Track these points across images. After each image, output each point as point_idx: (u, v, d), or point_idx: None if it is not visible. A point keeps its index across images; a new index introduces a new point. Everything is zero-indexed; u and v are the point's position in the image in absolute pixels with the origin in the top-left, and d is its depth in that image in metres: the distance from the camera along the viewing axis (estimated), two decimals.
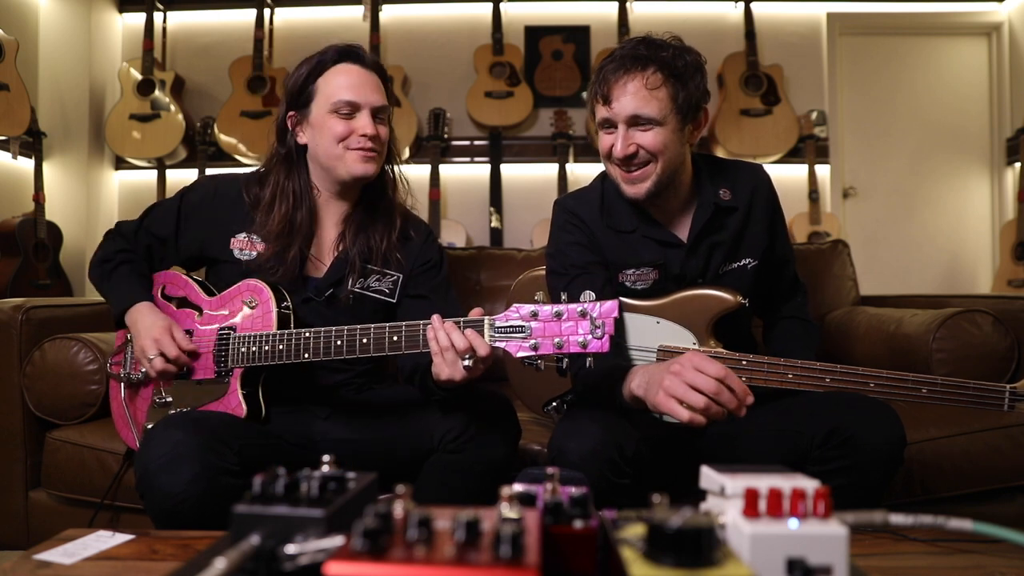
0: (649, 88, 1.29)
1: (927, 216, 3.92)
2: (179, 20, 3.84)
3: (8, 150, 3.24)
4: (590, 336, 1.06)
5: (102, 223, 3.70)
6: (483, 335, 1.13)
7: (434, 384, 1.24)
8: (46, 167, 3.38)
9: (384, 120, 1.45)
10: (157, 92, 3.57)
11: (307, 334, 1.28)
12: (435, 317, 1.16)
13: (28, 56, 3.41)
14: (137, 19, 3.77)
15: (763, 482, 0.61)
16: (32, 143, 3.29)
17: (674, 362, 1.13)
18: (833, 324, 2.25)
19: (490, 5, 3.70)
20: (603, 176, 1.48)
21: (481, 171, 3.72)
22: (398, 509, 0.53)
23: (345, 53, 1.43)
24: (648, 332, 1.39)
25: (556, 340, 1.07)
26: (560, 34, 3.79)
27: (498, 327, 1.12)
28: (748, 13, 3.67)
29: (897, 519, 0.71)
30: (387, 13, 3.81)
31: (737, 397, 1.10)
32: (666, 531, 0.52)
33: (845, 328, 2.18)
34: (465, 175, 3.78)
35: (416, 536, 0.50)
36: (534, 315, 1.09)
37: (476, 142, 3.75)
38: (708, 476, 0.68)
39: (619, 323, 1.09)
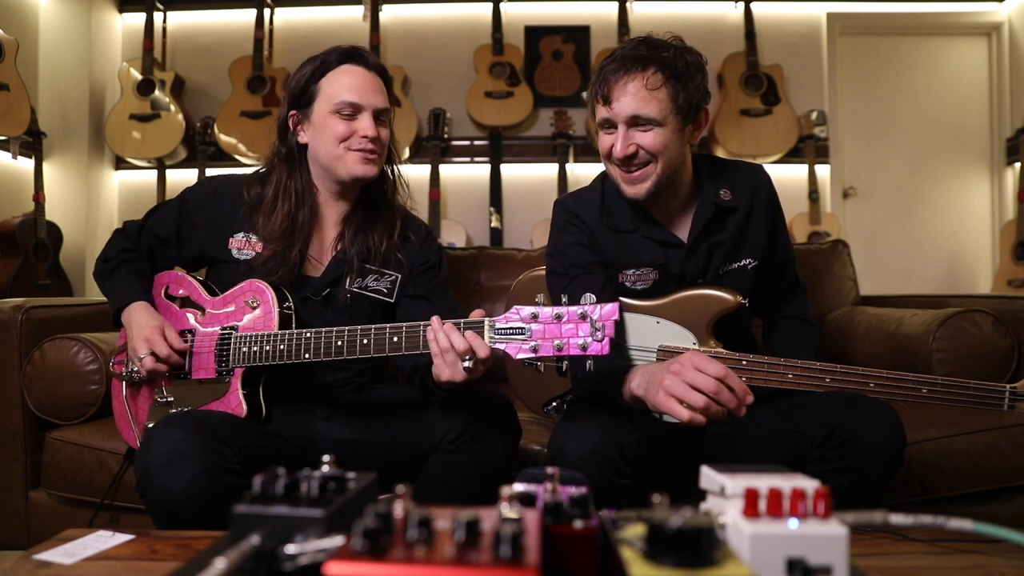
0: (649, 89, 1.29)
1: (927, 216, 3.92)
2: (179, 20, 3.84)
3: (8, 150, 3.24)
4: (590, 338, 1.06)
5: (102, 223, 3.70)
6: (483, 336, 1.13)
7: (434, 385, 1.24)
8: (46, 167, 3.38)
9: (385, 122, 1.46)
10: (157, 92, 3.58)
11: (308, 334, 1.28)
12: (435, 319, 1.17)
13: (28, 56, 3.42)
14: (137, 19, 3.77)
15: (763, 482, 0.61)
16: (32, 143, 3.29)
17: (674, 362, 1.13)
18: (833, 324, 2.25)
19: (490, 5, 3.70)
20: (603, 176, 1.48)
21: (481, 171, 3.72)
22: (398, 509, 0.53)
23: (349, 55, 1.44)
24: (648, 332, 1.39)
25: (556, 342, 1.07)
26: (560, 34, 3.79)
27: (498, 328, 1.12)
28: (748, 13, 3.67)
29: (897, 519, 0.71)
30: (387, 13, 3.81)
31: (737, 397, 1.10)
32: (666, 531, 0.52)
33: (845, 328, 2.18)
34: (465, 175, 3.78)
35: (416, 536, 0.50)
36: (534, 317, 1.09)
37: (476, 142, 3.75)
38: (708, 476, 0.68)
39: (619, 324, 1.09)
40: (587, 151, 3.65)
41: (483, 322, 1.14)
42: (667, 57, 1.30)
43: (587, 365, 1.08)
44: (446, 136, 3.66)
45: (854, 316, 2.20)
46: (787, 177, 3.61)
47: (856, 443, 1.20)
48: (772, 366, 1.31)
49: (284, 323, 1.35)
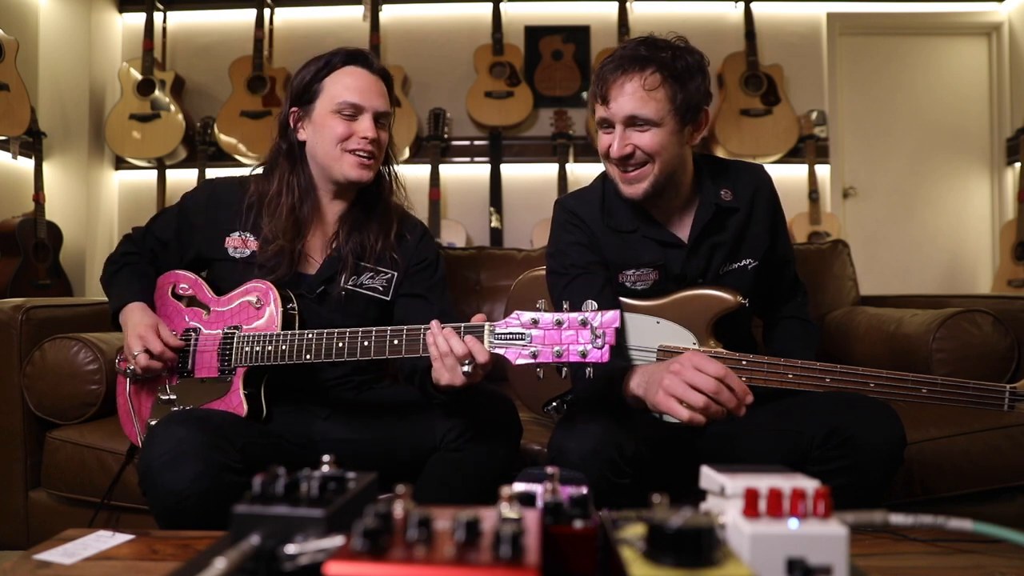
0: (647, 89, 1.29)
1: (927, 216, 3.92)
2: (179, 20, 3.84)
3: (8, 150, 3.24)
4: (590, 346, 1.06)
5: (102, 223, 3.70)
6: (483, 341, 1.13)
7: (433, 388, 1.24)
8: (46, 167, 3.38)
9: (385, 125, 1.47)
10: (157, 92, 3.57)
11: (309, 335, 1.28)
12: (435, 323, 1.17)
13: (28, 56, 3.41)
14: (137, 19, 3.77)
15: (763, 482, 0.61)
16: (32, 143, 3.29)
17: (674, 361, 1.13)
18: (833, 324, 2.25)
19: (490, 5, 3.69)
20: (604, 176, 1.48)
21: (481, 171, 3.72)
22: (398, 509, 0.53)
23: (353, 56, 1.46)
24: (648, 332, 1.39)
25: (556, 349, 1.07)
26: (560, 34, 3.79)
27: (498, 333, 1.12)
28: (748, 13, 3.67)
29: (897, 519, 0.71)
30: (387, 13, 3.81)
31: (737, 396, 1.10)
32: (666, 531, 0.52)
33: (845, 328, 2.18)
34: (465, 175, 3.78)
35: (416, 536, 0.50)
36: (534, 322, 1.09)
37: (476, 142, 3.75)
38: (708, 476, 0.68)
39: (619, 332, 1.09)
40: (587, 151, 3.64)
41: (483, 327, 1.13)
42: (666, 58, 1.29)
43: (587, 372, 1.08)
44: (446, 136, 3.66)
45: (854, 316, 2.20)
46: (787, 177, 3.61)
47: (856, 443, 1.20)
48: (772, 366, 1.31)
49: (287, 324, 1.36)
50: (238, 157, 3.56)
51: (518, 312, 1.11)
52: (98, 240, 3.66)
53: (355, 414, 1.44)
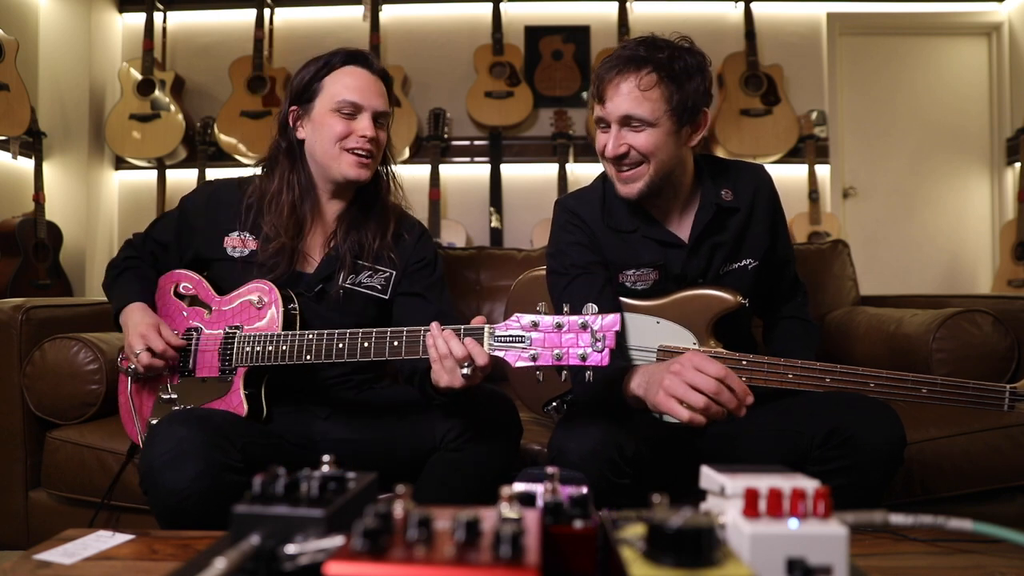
0: (642, 89, 1.28)
1: (927, 216, 3.92)
2: (179, 20, 3.84)
3: (8, 150, 3.24)
4: (590, 349, 1.05)
5: (102, 223, 3.70)
6: (483, 343, 1.13)
7: (432, 390, 1.24)
8: (46, 167, 3.38)
9: (384, 126, 1.48)
10: (157, 92, 3.57)
11: (310, 336, 1.28)
12: (434, 324, 1.16)
13: (28, 56, 3.41)
14: (137, 19, 3.77)
15: (763, 482, 0.61)
16: (32, 143, 3.29)
17: (674, 362, 1.13)
18: (833, 324, 2.25)
19: (490, 5, 3.70)
20: (604, 176, 1.47)
21: (481, 171, 3.72)
22: (398, 509, 0.53)
23: (353, 56, 1.46)
24: (648, 332, 1.39)
25: (555, 352, 1.07)
26: (560, 34, 3.79)
27: (498, 336, 1.12)
28: (748, 13, 3.67)
29: (897, 519, 0.71)
30: (387, 13, 3.81)
31: (737, 397, 1.10)
32: (666, 531, 0.52)
33: (845, 328, 2.18)
34: (465, 175, 3.78)
35: (416, 536, 0.50)
36: (534, 325, 1.09)
37: (476, 142, 3.75)
38: (708, 476, 0.68)
39: (619, 333, 1.09)
40: (587, 151, 3.64)
41: (483, 329, 1.13)
42: (662, 58, 1.29)
43: (586, 376, 1.08)
44: (446, 136, 3.66)
45: (854, 316, 2.20)
46: (787, 177, 3.61)
47: (856, 443, 1.20)
48: (772, 366, 1.31)
49: (288, 324, 1.37)
50: (238, 157, 3.56)
51: (518, 315, 1.11)
52: (98, 240, 3.67)
53: (355, 414, 1.44)
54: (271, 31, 3.77)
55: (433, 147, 3.60)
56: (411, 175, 3.61)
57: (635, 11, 3.73)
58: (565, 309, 1.09)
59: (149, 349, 1.35)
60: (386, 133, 1.49)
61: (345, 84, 1.43)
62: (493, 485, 0.67)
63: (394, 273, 1.51)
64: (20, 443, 1.74)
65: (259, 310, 1.37)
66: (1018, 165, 3.61)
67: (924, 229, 3.91)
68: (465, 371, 1.12)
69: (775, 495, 0.60)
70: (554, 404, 1.70)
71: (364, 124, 1.42)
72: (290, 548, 0.55)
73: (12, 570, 0.84)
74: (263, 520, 0.57)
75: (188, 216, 1.53)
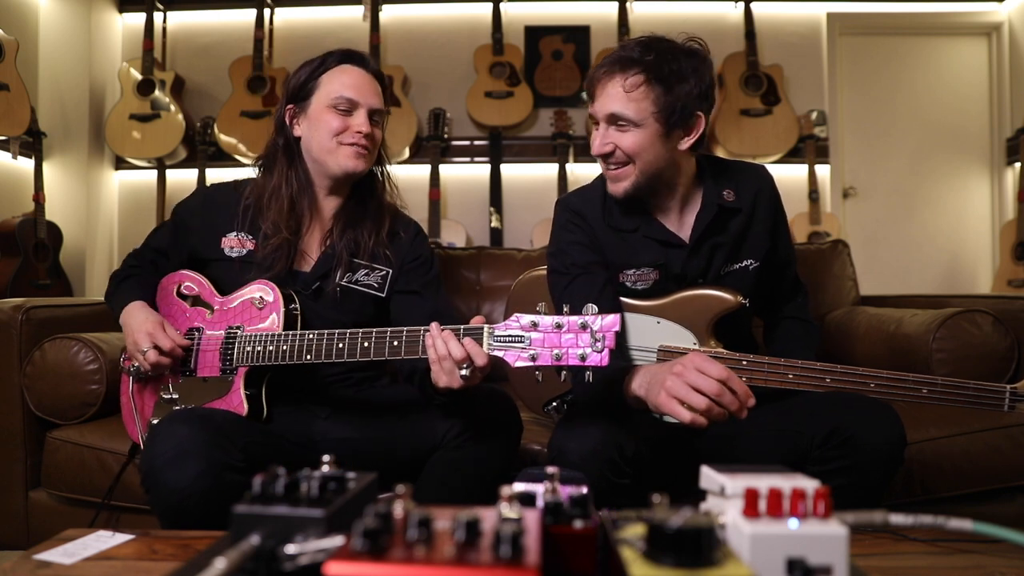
0: (627, 90, 1.29)
1: (927, 216, 3.92)
2: (179, 20, 3.84)
3: (8, 150, 3.24)
4: (589, 349, 1.05)
5: (102, 223, 3.70)
6: (482, 343, 1.13)
7: (432, 390, 1.24)
8: (46, 167, 3.38)
9: (379, 123, 1.50)
10: (157, 92, 3.57)
11: (310, 336, 1.29)
12: (434, 325, 1.16)
13: (28, 56, 3.41)
14: (137, 19, 3.77)
15: (763, 482, 0.61)
16: (32, 143, 3.29)
17: (676, 363, 1.13)
18: (833, 324, 2.25)
19: (490, 5, 3.69)
20: None
21: (481, 171, 3.72)
22: (398, 509, 0.53)
23: (349, 55, 1.49)
24: (648, 332, 1.39)
25: (555, 352, 1.07)
26: (560, 34, 3.79)
27: (497, 336, 1.12)
28: (748, 13, 3.67)
29: (897, 519, 0.71)
30: (387, 13, 3.81)
31: (739, 399, 1.10)
32: (666, 531, 0.52)
33: (845, 328, 2.18)
34: (465, 175, 3.78)
35: (416, 536, 0.50)
36: (534, 325, 1.09)
37: (476, 142, 3.75)
38: (708, 476, 0.68)
39: (619, 333, 1.09)
40: (587, 151, 3.57)
41: (482, 329, 1.13)
42: (650, 60, 1.28)
43: (586, 376, 1.08)
44: (446, 136, 3.66)
45: (854, 316, 2.20)
46: (787, 177, 3.60)
47: (856, 443, 1.20)
48: (772, 366, 1.31)
49: (289, 324, 1.37)
50: (238, 157, 3.56)
51: (517, 315, 1.11)
52: (98, 240, 3.67)
53: (355, 413, 1.45)
54: (271, 31, 3.77)
55: (433, 147, 3.60)
56: (411, 175, 3.61)
57: (635, 11, 3.73)
58: (565, 309, 1.09)
59: (156, 347, 1.35)
60: (381, 132, 1.51)
61: (341, 81, 1.45)
62: (493, 484, 0.67)
63: (390, 271, 1.51)
64: (20, 443, 1.74)
65: (260, 310, 1.38)
66: (1018, 165, 3.61)
67: (924, 229, 3.91)
68: (464, 372, 1.13)
69: (775, 495, 0.60)
70: (554, 404, 1.70)
71: (360, 120, 1.44)
72: (290, 548, 0.55)
73: (12, 570, 0.84)
74: (263, 520, 0.57)
75: (183, 219, 1.54)
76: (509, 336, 1.11)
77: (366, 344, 1.25)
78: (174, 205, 1.61)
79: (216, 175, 3.48)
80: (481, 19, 3.75)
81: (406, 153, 3.61)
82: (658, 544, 0.52)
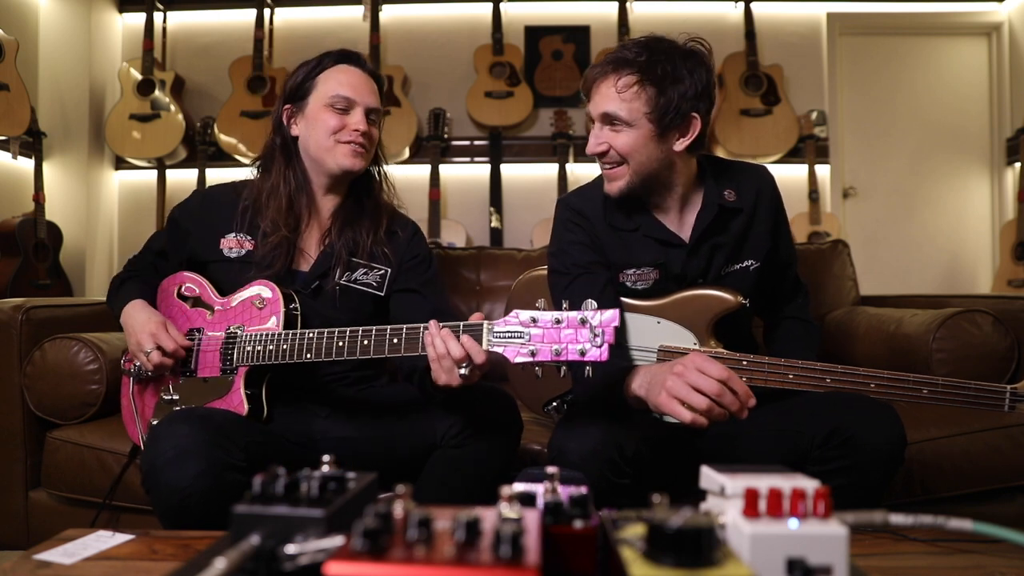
0: (619, 91, 1.30)
1: (927, 216, 3.92)
2: (179, 20, 3.84)
3: (8, 150, 3.24)
4: (589, 344, 1.05)
5: (102, 223, 3.70)
6: (481, 340, 1.13)
7: (432, 388, 1.25)
8: (46, 167, 3.38)
9: (376, 122, 1.51)
10: (157, 92, 3.57)
11: (310, 335, 1.29)
12: (433, 323, 1.17)
13: (28, 56, 3.41)
14: (137, 19, 3.77)
15: (763, 482, 0.61)
16: (32, 143, 3.29)
17: (677, 363, 1.13)
18: (833, 324, 2.25)
19: (490, 5, 3.69)
20: None
21: (481, 171, 3.72)
22: (398, 509, 0.53)
23: (345, 56, 1.50)
24: (648, 332, 1.39)
25: (554, 347, 1.07)
26: (560, 34, 3.79)
27: (497, 332, 1.12)
28: (748, 13, 3.67)
29: (897, 519, 0.71)
30: (387, 13, 3.81)
31: (739, 399, 1.10)
32: (666, 531, 0.52)
33: (845, 328, 2.18)
34: (465, 175, 3.78)
35: (416, 536, 0.50)
36: (533, 321, 1.09)
37: (476, 142, 3.75)
38: (708, 476, 0.68)
39: (619, 331, 1.09)
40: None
41: (481, 325, 1.14)
42: (643, 61, 1.29)
43: (586, 371, 1.08)
44: (446, 136, 3.66)
45: (854, 316, 2.19)
46: (787, 177, 3.60)
47: (856, 443, 1.20)
48: (772, 366, 1.31)
49: (289, 324, 1.37)
50: (238, 157, 3.56)
51: (517, 311, 1.11)
52: (98, 240, 3.66)
53: (355, 413, 1.45)
54: (271, 31, 3.77)
55: (433, 147, 3.60)
56: (411, 175, 3.61)
57: (635, 11, 3.72)
58: (564, 305, 1.09)
59: (159, 348, 1.35)
60: (378, 131, 1.52)
61: (338, 80, 1.46)
62: (493, 484, 0.67)
63: (389, 270, 1.52)
64: (20, 443, 1.74)
65: (261, 310, 1.38)
66: (1018, 165, 3.61)
67: (924, 229, 3.91)
68: (462, 371, 1.13)
69: (775, 495, 0.60)
70: (554, 404, 1.70)
71: (357, 119, 1.45)
72: (290, 548, 0.55)
73: (12, 570, 0.84)
74: (263, 520, 0.57)
75: (180, 222, 1.55)
76: (508, 332, 1.11)
77: (366, 342, 1.25)
78: (171, 208, 1.62)
79: (216, 175, 3.49)
80: (481, 19, 3.75)
81: (406, 153, 3.61)
82: (658, 544, 0.52)
